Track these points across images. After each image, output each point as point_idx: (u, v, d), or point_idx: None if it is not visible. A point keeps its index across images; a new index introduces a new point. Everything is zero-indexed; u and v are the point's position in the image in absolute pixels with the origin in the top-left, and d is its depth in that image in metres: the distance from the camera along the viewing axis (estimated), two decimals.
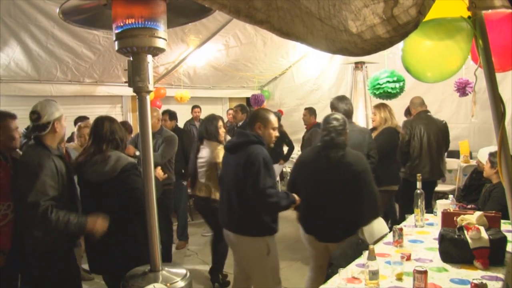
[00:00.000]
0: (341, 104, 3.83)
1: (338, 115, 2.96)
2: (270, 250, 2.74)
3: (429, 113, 4.71)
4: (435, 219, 2.98)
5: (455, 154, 6.11)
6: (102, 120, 2.66)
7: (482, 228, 2.20)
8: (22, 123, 2.83)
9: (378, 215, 2.87)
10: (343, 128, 2.84)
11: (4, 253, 2.45)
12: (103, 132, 2.59)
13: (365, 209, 2.76)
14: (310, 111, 6.03)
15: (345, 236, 2.72)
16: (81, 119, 4.80)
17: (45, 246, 2.42)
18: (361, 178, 2.76)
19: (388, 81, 4.79)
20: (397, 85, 4.84)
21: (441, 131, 4.60)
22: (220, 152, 3.74)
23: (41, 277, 2.50)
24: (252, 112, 3.00)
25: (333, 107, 3.88)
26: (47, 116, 2.48)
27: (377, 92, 4.87)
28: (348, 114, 3.73)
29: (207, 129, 3.94)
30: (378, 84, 4.83)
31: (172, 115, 5.11)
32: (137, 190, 2.50)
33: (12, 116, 2.63)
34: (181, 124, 6.88)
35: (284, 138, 6.23)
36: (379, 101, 5.41)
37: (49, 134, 2.50)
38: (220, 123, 3.95)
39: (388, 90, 4.80)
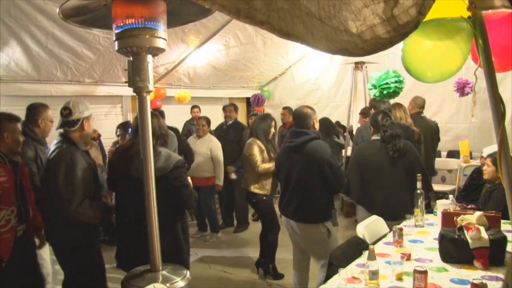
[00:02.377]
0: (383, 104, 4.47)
1: (385, 112, 3.46)
2: (331, 233, 3.13)
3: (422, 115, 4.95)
4: (435, 219, 2.98)
5: (455, 154, 6.11)
6: (150, 115, 2.62)
7: (482, 228, 2.20)
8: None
9: (432, 189, 3.49)
10: (392, 122, 3.37)
11: (2, 261, 2.43)
12: (152, 128, 2.52)
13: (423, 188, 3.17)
14: (289, 111, 6.36)
15: (405, 213, 3.01)
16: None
17: (74, 240, 2.51)
18: (419, 160, 3.29)
19: (396, 81, 4.85)
20: (403, 84, 4.91)
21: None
22: (254, 145, 4.02)
23: (71, 270, 2.61)
24: (298, 113, 3.22)
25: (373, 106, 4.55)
26: (78, 113, 2.57)
27: (384, 92, 4.89)
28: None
29: (258, 126, 4.11)
30: (387, 84, 4.86)
31: (161, 114, 5.04)
32: (188, 188, 2.54)
33: (19, 120, 2.68)
34: (180, 124, 6.89)
35: None
36: None
37: (77, 131, 2.58)
38: (273, 123, 4.15)
39: (396, 90, 4.88)
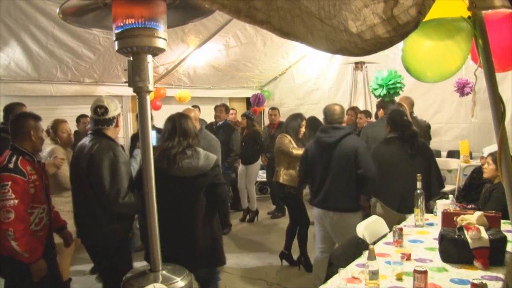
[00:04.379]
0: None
1: (402, 111, 3.72)
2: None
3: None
4: (435, 219, 2.99)
5: (455, 154, 6.11)
6: (185, 117, 2.68)
7: (482, 228, 2.20)
8: None
9: (443, 186, 3.72)
10: (409, 121, 3.62)
11: (40, 258, 2.42)
12: (189, 128, 2.61)
13: (434, 183, 3.42)
14: (279, 112, 6.58)
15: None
16: (85, 116, 4.83)
17: (116, 238, 2.53)
18: (434, 158, 3.50)
19: (399, 81, 4.88)
20: (403, 85, 4.92)
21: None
22: (285, 138, 4.22)
23: (110, 271, 2.60)
24: (332, 110, 3.42)
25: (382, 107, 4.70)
26: (112, 111, 2.58)
27: (391, 92, 4.91)
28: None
29: (289, 124, 4.33)
30: (393, 84, 4.87)
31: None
32: (225, 185, 2.62)
33: (41, 119, 2.70)
34: None
35: (257, 139, 6.17)
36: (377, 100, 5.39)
37: (112, 128, 2.60)
38: (304, 122, 4.37)
39: (399, 91, 4.91)
